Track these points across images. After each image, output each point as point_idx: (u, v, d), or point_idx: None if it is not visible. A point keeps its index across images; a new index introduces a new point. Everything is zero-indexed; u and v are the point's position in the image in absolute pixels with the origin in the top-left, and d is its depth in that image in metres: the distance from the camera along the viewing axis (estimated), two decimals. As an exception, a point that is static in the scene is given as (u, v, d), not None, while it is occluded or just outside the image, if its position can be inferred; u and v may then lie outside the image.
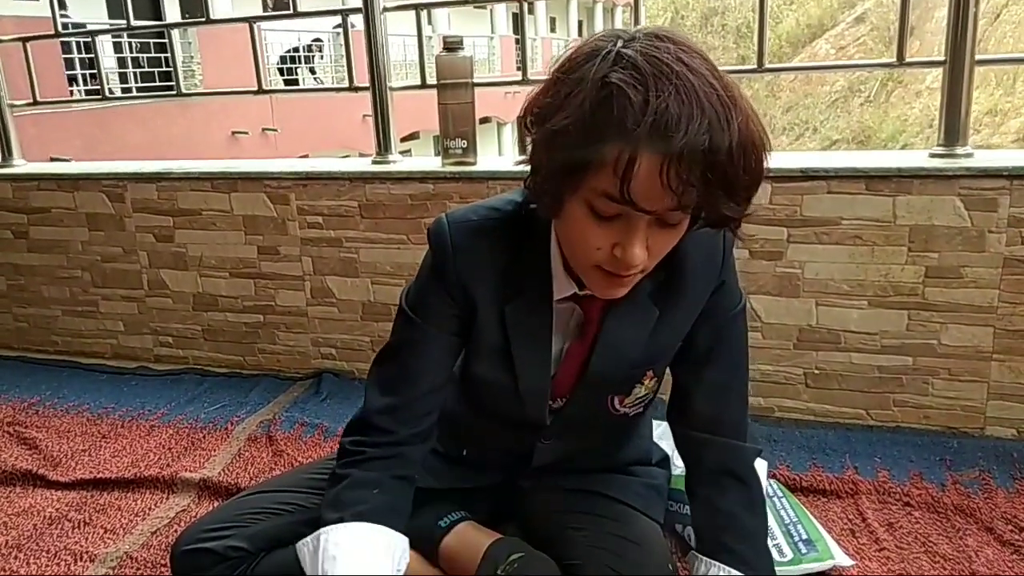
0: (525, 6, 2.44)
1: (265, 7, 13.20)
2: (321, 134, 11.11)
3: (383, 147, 2.16)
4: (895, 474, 1.60)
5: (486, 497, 1.31)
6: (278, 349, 2.31)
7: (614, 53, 0.82)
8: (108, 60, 9.27)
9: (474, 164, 2.02)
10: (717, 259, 1.06)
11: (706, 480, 1.13)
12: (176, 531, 1.51)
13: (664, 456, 1.36)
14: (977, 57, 1.68)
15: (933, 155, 1.73)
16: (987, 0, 15.70)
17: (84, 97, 7.19)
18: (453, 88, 1.98)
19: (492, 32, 17.93)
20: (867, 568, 1.33)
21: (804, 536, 1.37)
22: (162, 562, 1.43)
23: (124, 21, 2.41)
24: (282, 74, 11.59)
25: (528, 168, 0.93)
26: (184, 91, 2.54)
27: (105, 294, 2.46)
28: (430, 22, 15.49)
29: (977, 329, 1.70)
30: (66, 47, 8.28)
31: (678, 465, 1.20)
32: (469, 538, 1.22)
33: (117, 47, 9.42)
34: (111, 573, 1.42)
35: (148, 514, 1.60)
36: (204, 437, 1.91)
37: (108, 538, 1.53)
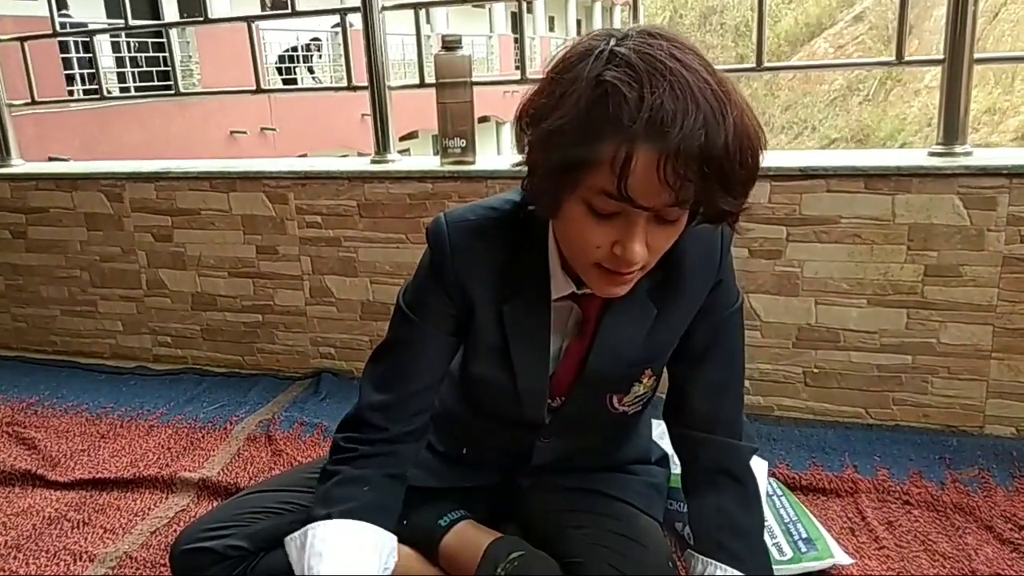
0: (524, 5, 2.43)
1: (263, 6, 13.20)
2: (320, 134, 11.11)
3: (382, 146, 2.16)
4: (894, 473, 1.60)
5: (486, 496, 1.31)
6: (277, 349, 2.31)
7: (608, 52, 0.82)
8: (106, 60, 9.27)
9: (473, 163, 2.02)
10: (715, 258, 1.06)
11: (702, 478, 1.13)
12: (175, 531, 1.51)
13: (663, 455, 1.36)
14: (976, 55, 1.68)
15: (932, 154, 1.73)
16: (985, -1, 15.70)
17: (82, 97, 7.18)
18: (452, 87, 1.98)
19: (491, 31, 17.92)
20: (867, 567, 1.33)
21: (804, 535, 1.37)
22: (161, 562, 1.43)
23: (122, 20, 2.41)
24: (280, 73, 11.58)
25: (525, 169, 0.93)
26: (182, 91, 2.54)
27: (104, 294, 2.46)
28: (428, 21, 15.49)
29: (976, 328, 1.70)
30: (64, 47, 8.27)
31: (677, 464, 1.20)
32: (469, 537, 1.22)
33: (115, 47, 9.41)
34: (110, 573, 1.42)
35: (147, 514, 1.60)
36: (203, 437, 1.91)
37: (107, 538, 1.53)
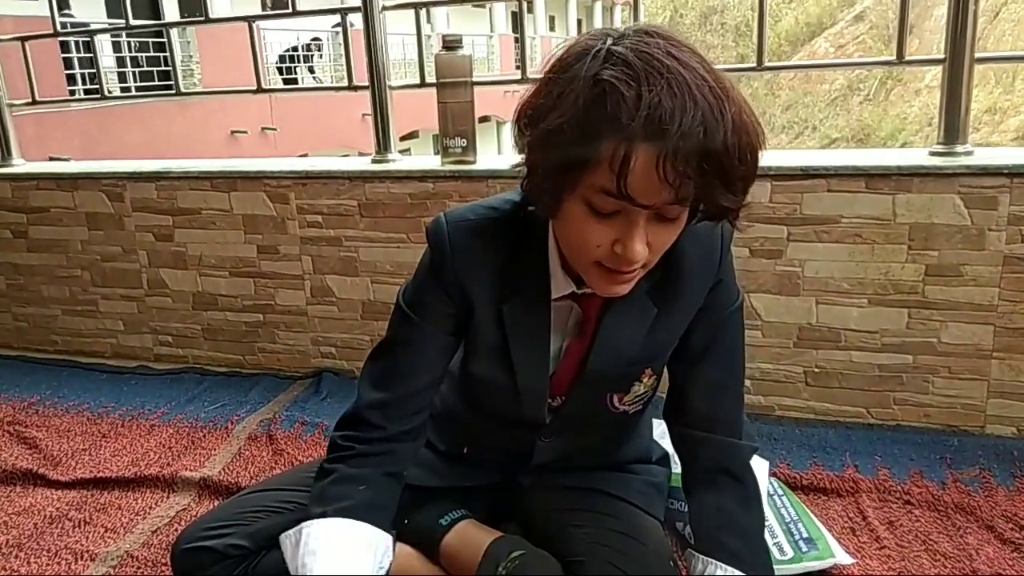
0: (524, 5, 2.43)
1: (264, 6, 13.19)
2: (320, 133, 11.11)
3: (382, 146, 2.16)
4: (895, 472, 1.60)
5: (486, 495, 1.31)
6: (278, 348, 2.31)
7: (604, 51, 0.83)
8: (107, 59, 9.26)
9: (473, 163, 2.02)
10: (715, 257, 1.06)
11: (702, 478, 1.13)
12: (176, 530, 1.51)
13: (664, 454, 1.36)
14: (977, 55, 1.68)
15: (933, 153, 1.73)
16: (986, -2, 15.70)
17: (83, 96, 7.18)
18: (452, 87, 1.98)
19: (491, 31, 17.92)
20: (868, 566, 1.33)
21: (805, 534, 1.37)
22: (163, 561, 1.43)
23: (123, 20, 2.41)
24: (281, 73, 11.57)
25: (525, 169, 0.93)
26: (183, 90, 2.53)
27: (105, 293, 2.46)
28: (429, 21, 15.49)
29: (977, 327, 1.70)
30: (65, 46, 8.27)
31: (678, 463, 1.20)
32: (470, 536, 1.22)
33: (116, 46, 9.40)
34: (111, 572, 1.42)
35: (148, 513, 1.60)
36: (204, 436, 1.91)
37: (108, 537, 1.53)
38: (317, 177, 2.14)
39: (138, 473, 1.73)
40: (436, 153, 2.11)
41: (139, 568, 1.43)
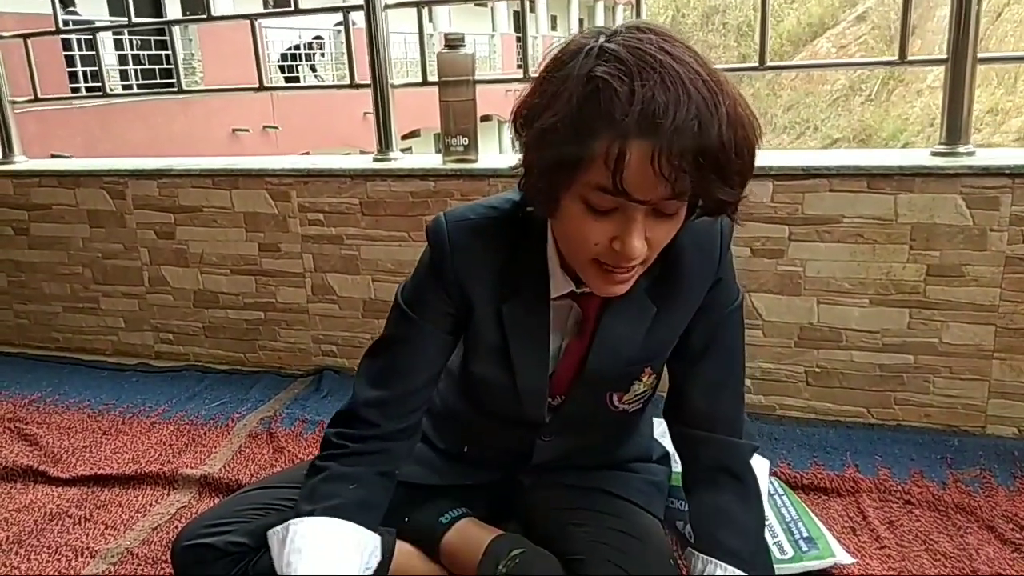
0: (526, 4, 2.43)
1: (266, 4, 13.19)
2: (322, 132, 11.11)
3: (384, 144, 2.16)
4: (896, 472, 1.60)
5: (487, 494, 1.31)
6: (279, 346, 2.31)
7: (597, 48, 0.83)
8: (109, 57, 9.26)
9: (475, 161, 2.02)
10: (714, 256, 1.06)
11: (702, 477, 1.13)
12: (177, 527, 1.51)
13: (664, 453, 1.36)
14: (979, 55, 1.68)
15: (935, 153, 1.73)
16: (988, -1, 15.69)
17: (85, 94, 7.18)
18: (455, 85, 1.98)
19: (493, 30, 17.92)
20: (868, 566, 1.33)
21: (805, 534, 1.37)
22: (163, 558, 1.43)
23: (125, 18, 2.41)
24: (283, 72, 11.58)
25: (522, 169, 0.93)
26: (185, 88, 2.53)
27: (106, 291, 2.46)
28: (431, 20, 15.48)
29: (978, 327, 1.70)
30: (67, 44, 8.27)
31: (678, 462, 1.20)
32: (470, 534, 1.22)
33: (118, 44, 9.40)
34: (112, 569, 1.42)
35: (149, 510, 1.60)
36: (205, 434, 1.91)
37: (109, 534, 1.53)
38: (319, 175, 2.14)
39: (139, 470, 1.73)
40: (437, 152, 2.11)
41: (139, 565, 1.43)
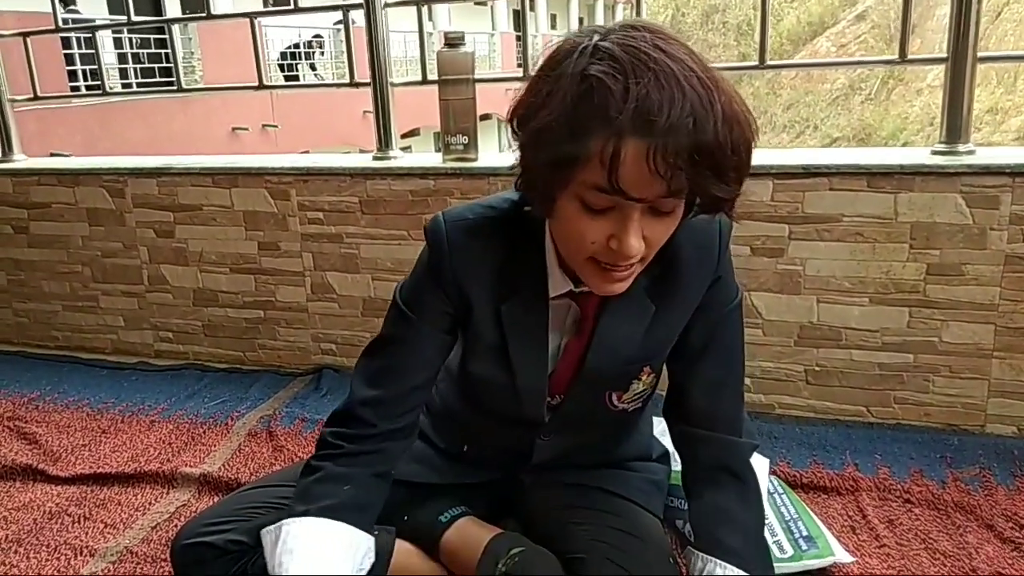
0: (526, 2, 2.43)
1: (265, 3, 13.18)
2: (321, 131, 11.10)
3: (384, 143, 2.16)
4: (895, 471, 1.60)
5: (486, 492, 1.31)
6: (278, 345, 2.31)
7: (591, 47, 0.83)
8: (108, 56, 9.25)
9: (475, 160, 2.02)
10: (713, 254, 1.06)
11: (702, 476, 1.13)
12: (176, 526, 1.51)
13: (664, 451, 1.36)
14: (979, 54, 1.68)
15: (935, 152, 1.73)
16: (988, -2, 15.68)
17: (85, 92, 7.17)
18: (454, 84, 1.98)
19: (493, 29, 17.92)
20: (867, 565, 1.33)
21: (805, 533, 1.37)
22: (162, 557, 1.43)
23: (125, 16, 2.41)
24: (282, 70, 11.57)
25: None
26: (184, 87, 2.53)
27: (105, 289, 2.46)
28: (431, 18, 15.48)
29: (978, 326, 1.70)
30: (66, 43, 8.26)
31: (678, 461, 1.20)
32: (470, 533, 1.22)
33: (117, 43, 9.39)
34: (111, 568, 1.42)
35: (148, 509, 1.60)
36: (204, 432, 1.91)
37: (108, 533, 1.53)
38: (318, 174, 2.14)
39: (138, 469, 1.73)
40: (437, 151, 2.11)
41: (138, 564, 1.43)
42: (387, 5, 2.08)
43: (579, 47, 0.84)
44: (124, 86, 9.27)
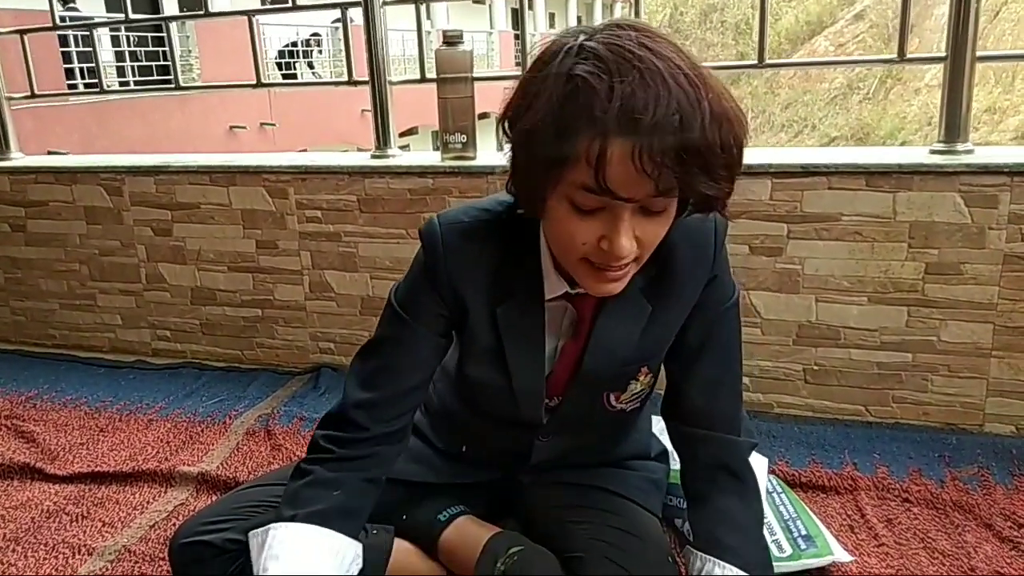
0: (524, 1, 2.43)
1: (263, 1, 13.16)
2: (319, 129, 11.09)
3: (382, 141, 2.15)
4: (894, 470, 1.60)
5: (485, 491, 1.31)
6: (276, 343, 2.30)
7: (577, 47, 0.83)
8: (106, 54, 9.23)
9: (474, 159, 2.02)
10: (709, 253, 1.06)
11: (700, 475, 1.12)
12: (174, 524, 1.51)
13: (663, 450, 1.36)
14: (978, 53, 1.68)
15: (934, 151, 1.73)
16: (986, -2, 15.67)
17: (82, 91, 7.16)
18: (453, 82, 1.97)
19: (491, 27, 17.90)
20: (866, 564, 1.33)
21: (803, 532, 1.37)
22: (160, 555, 1.43)
23: (122, 14, 2.40)
24: (280, 69, 11.56)
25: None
26: (182, 85, 2.53)
27: (103, 288, 2.45)
28: (429, 17, 15.47)
29: (977, 326, 1.70)
30: (64, 40, 8.25)
31: (677, 459, 1.20)
32: (468, 532, 1.22)
33: (115, 41, 9.37)
34: (109, 566, 1.42)
35: (146, 508, 1.60)
36: (202, 431, 1.91)
37: (106, 531, 1.53)
38: (316, 172, 2.13)
39: (136, 468, 1.73)
40: (435, 149, 2.11)
41: (137, 562, 1.43)
42: (385, 3, 2.08)
43: (565, 47, 0.83)
44: (121, 84, 9.25)
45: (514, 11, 18.49)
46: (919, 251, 1.70)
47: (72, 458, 1.79)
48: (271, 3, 12.63)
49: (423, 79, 2.15)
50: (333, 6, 2.28)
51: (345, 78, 2.26)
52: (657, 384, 1.19)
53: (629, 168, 0.79)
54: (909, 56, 1.80)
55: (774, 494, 1.49)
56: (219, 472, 1.69)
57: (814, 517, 1.42)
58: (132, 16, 2.44)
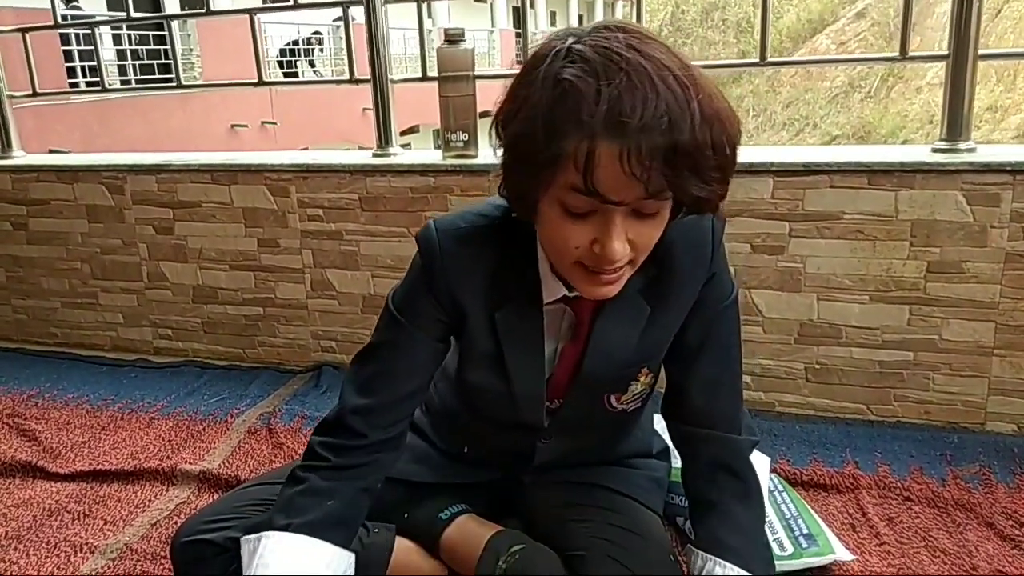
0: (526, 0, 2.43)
1: (265, -1, 13.16)
2: (321, 128, 11.08)
3: (384, 140, 2.15)
4: (895, 469, 1.60)
5: (487, 490, 1.31)
6: (278, 342, 2.30)
7: (565, 50, 0.83)
8: (107, 52, 9.24)
9: (475, 157, 2.02)
10: (707, 252, 1.05)
11: (701, 474, 1.12)
12: (176, 523, 1.51)
13: (664, 448, 1.36)
14: (980, 51, 1.68)
15: (935, 149, 1.72)
16: (988, -4, 15.66)
17: (84, 89, 7.16)
18: (454, 81, 1.97)
19: (492, 26, 17.90)
20: (867, 563, 1.33)
21: (805, 530, 1.37)
22: (162, 554, 1.43)
23: (124, 13, 2.40)
24: (281, 67, 11.56)
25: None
26: (183, 83, 2.53)
27: (104, 286, 2.46)
28: (430, 15, 15.45)
29: (978, 324, 1.70)
30: (65, 39, 8.25)
31: (678, 457, 1.20)
32: (470, 530, 1.22)
33: (116, 39, 9.38)
34: (111, 565, 1.42)
35: (148, 506, 1.60)
36: (204, 429, 1.91)
37: (108, 530, 1.53)
38: (318, 170, 2.13)
39: (137, 466, 1.73)
40: (437, 148, 2.11)
41: (138, 561, 1.43)
42: (387, 1, 2.08)
43: (553, 51, 0.83)
44: (123, 83, 9.25)
45: (515, 9, 18.48)
46: (921, 250, 1.70)
47: (74, 456, 1.79)
48: (272, 1, 12.63)
49: (424, 77, 2.15)
50: (334, 4, 2.28)
51: (346, 76, 2.25)
52: (658, 383, 1.19)
53: (617, 171, 0.79)
54: (911, 54, 1.80)
55: (776, 493, 1.49)
56: (221, 470, 1.70)
57: (816, 516, 1.42)
58: (134, 14, 2.45)
